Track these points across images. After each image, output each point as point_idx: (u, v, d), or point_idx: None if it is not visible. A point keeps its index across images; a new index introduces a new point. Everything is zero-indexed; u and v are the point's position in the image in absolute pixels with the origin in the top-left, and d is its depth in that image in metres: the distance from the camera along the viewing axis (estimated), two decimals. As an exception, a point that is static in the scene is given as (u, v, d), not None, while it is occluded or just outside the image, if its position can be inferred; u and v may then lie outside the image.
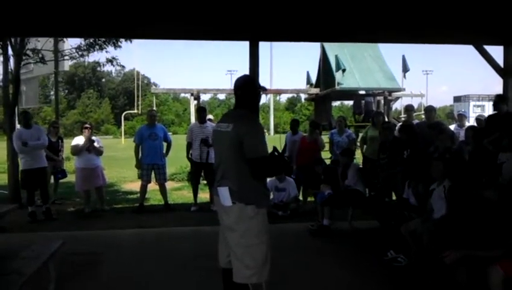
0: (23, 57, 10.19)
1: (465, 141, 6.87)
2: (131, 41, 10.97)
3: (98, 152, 8.70)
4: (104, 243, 6.31)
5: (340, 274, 5.06)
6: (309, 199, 8.83)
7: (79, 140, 8.61)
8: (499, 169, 5.44)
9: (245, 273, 3.28)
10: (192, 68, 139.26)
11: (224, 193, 3.31)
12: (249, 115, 3.43)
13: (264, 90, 3.74)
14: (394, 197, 7.32)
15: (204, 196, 9.48)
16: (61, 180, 9.94)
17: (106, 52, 11.73)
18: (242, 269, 3.29)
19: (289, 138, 9.33)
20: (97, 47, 11.50)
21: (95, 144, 8.65)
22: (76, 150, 8.57)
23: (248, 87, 3.52)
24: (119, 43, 11.31)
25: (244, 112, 3.44)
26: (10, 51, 9.97)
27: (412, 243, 5.03)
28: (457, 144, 7.03)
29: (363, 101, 19.73)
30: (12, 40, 9.80)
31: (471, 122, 12.85)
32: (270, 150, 3.48)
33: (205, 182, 9.42)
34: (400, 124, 8.72)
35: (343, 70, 19.15)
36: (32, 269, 3.85)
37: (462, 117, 9.98)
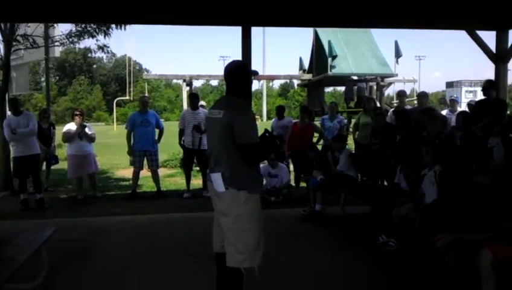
0: (13, 43, 10.08)
1: (456, 126, 6.91)
2: (124, 29, 10.85)
3: (90, 139, 8.66)
4: (96, 229, 6.32)
5: (332, 259, 5.10)
6: (301, 184, 8.87)
7: (70, 127, 8.57)
8: (490, 154, 5.49)
9: (237, 257, 3.31)
10: (184, 54, 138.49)
11: (217, 178, 3.32)
12: (240, 101, 3.41)
13: (256, 74, 3.74)
14: (386, 183, 7.37)
15: (197, 182, 9.49)
16: (53, 167, 9.90)
17: (97, 40, 11.63)
18: (234, 253, 3.31)
19: (275, 124, 9.34)
20: (87, 35, 11.38)
21: (87, 130, 8.61)
22: (68, 137, 8.52)
23: (239, 74, 3.48)
24: (110, 31, 11.20)
25: (235, 98, 3.43)
26: (0, 37, 9.87)
27: (403, 228, 5.08)
28: (449, 129, 7.07)
29: (355, 87, 19.79)
30: (2, 25, 9.69)
31: (463, 107, 12.89)
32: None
33: (198, 168, 9.41)
34: (393, 109, 8.74)
35: (335, 57, 19.15)
36: (25, 255, 3.85)
37: (454, 102, 10.02)
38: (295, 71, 27.87)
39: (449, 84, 60.26)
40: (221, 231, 3.41)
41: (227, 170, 3.30)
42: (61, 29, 13.26)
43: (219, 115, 3.33)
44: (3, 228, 6.08)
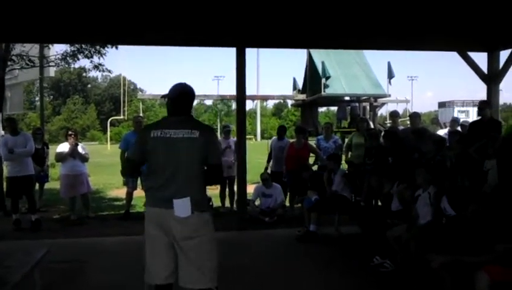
0: (8, 63, 10.10)
1: (448, 147, 6.94)
2: (117, 48, 10.93)
3: (83, 158, 8.62)
4: (89, 250, 6.27)
5: (327, 280, 5.07)
6: (296, 205, 8.85)
7: (64, 147, 8.53)
8: (484, 177, 5.50)
9: (207, 277, 3.30)
10: (179, 74, 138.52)
11: (183, 203, 3.22)
12: (204, 123, 3.52)
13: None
14: (379, 203, 7.37)
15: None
16: (45, 187, 9.85)
17: (91, 61, 11.71)
18: (202, 275, 3.28)
19: (275, 144, 9.35)
20: (81, 55, 11.46)
21: (80, 149, 8.57)
22: (61, 157, 8.48)
23: (190, 97, 3.49)
24: (105, 51, 11.28)
25: (192, 118, 3.47)
26: (-5, 56, 9.89)
27: (397, 249, 5.07)
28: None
29: (348, 107, 19.89)
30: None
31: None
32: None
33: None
34: (385, 130, 8.79)
35: (328, 77, 19.28)
36: (17, 277, 3.81)
37: (454, 123, 10.10)
38: (289, 91, 28.00)
39: (441, 104, 60.66)
40: (171, 259, 3.33)
41: (196, 193, 3.29)
42: (56, 49, 13.31)
43: (193, 135, 3.27)
44: (-5, 248, 6.02)
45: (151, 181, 3.44)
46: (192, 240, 3.26)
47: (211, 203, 9.02)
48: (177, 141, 3.28)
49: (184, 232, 3.26)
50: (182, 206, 3.22)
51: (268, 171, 9.20)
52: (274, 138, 9.79)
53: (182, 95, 3.44)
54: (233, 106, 61.43)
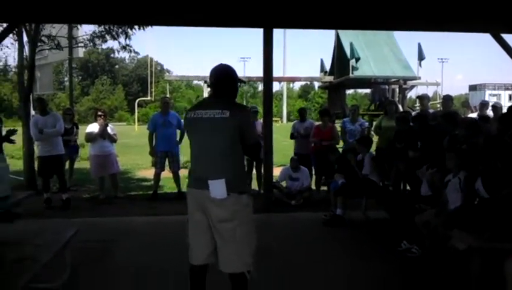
0: (38, 44, 10.23)
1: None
2: (144, 29, 10.95)
3: (112, 139, 8.73)
4: (117, 230, 6.37)
5: (354, 264, 5.04)
6: (322, 187, 8.81)
7: (93, 127, 8.64)
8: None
9: (243, 261, 3.29)
10: (204, 55, 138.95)
11: (219, 185, 3.19)
12: (238, 102, 3.47)
13: (243, 82, 3.74)
14: (408, 187, 7.28)
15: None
16: (76, 167, 10.01)
17: (119, 42, 11.77)
18: (239, 258, 3.28)
19: (298, 126, 9.30)
20: (109, 36, 11.52)
21: (109, 130, 8.68)
22: (91, 138, 8.61)
23: (229, 79, 3.44)
24: (132, 32, 11.31)
25: (230, 99, 3.42)
26: (25, 37, 10.02)
27: (426, 234, 5.00)
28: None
29: (383, 88, 19.58)
30: (27, 26, 9.84)
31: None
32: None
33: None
34: (414, 113, 8.62)
35: (357, 59, 19.01)
36: (47, 256, 3.88)
37: (483, 106, 9.84)
38: (316, 73, 27.72)
39: (472, 88, 59.48)
40: (210, 240, 3.34)
41: (231, 173, 3.25)
42: (85, 29, 13.44)
43: (223, 115, 3.23)
44: (26, 227, 6.16)
45: (191, 162, 3.49)
46: (229, 223, 3.24)
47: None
48: (208, 121, 3.27)
49: (221, 215, 3.24)
50: (217, 188, 3.19)
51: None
52: (296, 120, 9.72)
53: (218, 76, 3.43)
54: (260, 87, 61.39)
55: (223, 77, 3.42)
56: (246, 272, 3.30)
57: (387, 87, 19.38)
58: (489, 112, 9.62)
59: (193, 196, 3.39)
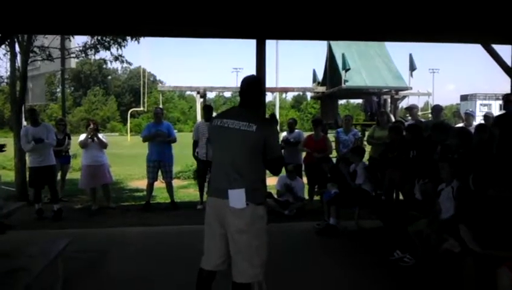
0: (30, 54, 10.21)
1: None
2: (138, 42, 10.98)
3: (102, 143, 8.69)
4: (110, 241, 6.33)
5: (347, 274, 5.04)
6: (315, 197, 8.82)
7: (85, 136, 8.63)
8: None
9: (253, 272, 3.32)
10: (197, 66, 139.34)
11: (239, 194, 3.25)
12: (263, 115, 3.53)
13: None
14: (401, 196, 7.31)
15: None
16: (68, 177, 9.97)
17: (111, 54, 11.78)
18: (249, 268, 3.31)
19: (286, 136, 9.33)
20: (102, 48, 11.53)
21: (100, 136, 8.66)
22: (83, 143, 8.58)
23: (257, 92, 3.54)
24: (125, 42, 11.33)
25: (254, 111, 3.46)
26: (17, 48, 10.01)
27: (418, 243, 5.01)
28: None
29: (375, 100, 19.65)
30: (20, 37, 9.83)
31: (478, 121, 12.75)
32: None
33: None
34: (408, 123, 8.66)
35: (347, 70, 19.10)
36: (39, 266, 3.86)
37: (469, 116, 9.90)
38: (308, 83, 27.85)
39: (463, 98, 59.91)
40: (224, 248, 3.39)
41: (250, 184, 3.28)
42: (77, 41, 13.42)
43: (249, 129, 3.28)
44: (18, 238, 6.12)
45: (212, 170, 3.57)
46: (245, 234, 3.28)
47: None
48: (234, 131, 3.33)
49: (238, 225, 3.28)
50: (237, 198, 3.24)
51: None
52: (286, 132, 9.72)
53: (245, 87, 3.50)
54: (252, 98, 61.37)
55: (253, 88, 3.51)
56: (255, 283, 3.40)
57: (375, 99, 19.41)
58: (482, 122, 9.67)
59: (212, 204, 3.44)
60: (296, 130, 9.46)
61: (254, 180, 3.32)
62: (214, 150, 3.57)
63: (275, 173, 3.46)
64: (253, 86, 3.52)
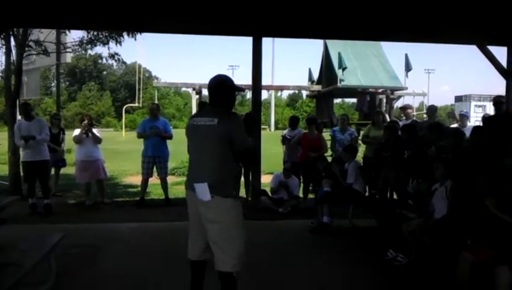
0: (26, 48, 10.16)
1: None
2: (135, 38, 10.95)
3: (97, 139, 8.65)
4: (104, 236, 6.32)
5: (340, 272, 5.06)
6: (310, 196, 8.83)
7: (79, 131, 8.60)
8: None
9: (230, 262, 3.44)
10: (193, 62, 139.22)
11: (202, 188, 3.40)
12: (227, 111, 3.56)
13: (241, 90, 3.99)
14: (395, 196, 7.33)
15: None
16: (61, 172, 9.94)
17: (108, 48, 11.74)
18: (226, 259, 3.44)
19: (287, 134, 9.34)
20: (98, 43, 11.49)
21: (95, 131, 8.63)
22: (77, 138, 8.55)
23: (222, 89, 3.61)
24: (121, 39, 11.29)
25: (221, 108, 3.54)
26: (13, 42, 9.96)
27: (412, 243, 5.03)
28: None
29: (368, 99, 19.70)
30: (15, 30, 9.78)
31: (472, 122, 12.82)
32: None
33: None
34: (403, 123, 8.69)
35: (344, 69, 19.14)
36: (32, 261, 3.85)
37: (463, 117, 9.94)
38: (304, 82, 27.88)
39: (458, 98, 60.07)
40: (203, 238, 3.55)
41: (215, 178, 3.41)
42: (73, 36, 13.39)
43: (212, 123, 3.43)
44: (11, 233, 6.10)
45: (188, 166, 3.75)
46: (215, 224, 3.44)
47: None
48: (201, 128, 3.51)
49: (207, 215, 3.46)
50: (201, 191, 3.40)
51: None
52: (287, 129, 9.74)
53: (213, 86, 3.62)
54: (248, 95, 61.50)
55: (217, 86, 3.60)
56: (233, 273, 3.45)
57: (368, 98, 19.45)
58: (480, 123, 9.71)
59: (188, 196, 3.64)
60: (298, 129, 9.46)
61: (221, 174, 3.43)
62: (187, 148, 3.71)
63: (245, 164, 3.57)
64: (220, 85, 3.61)
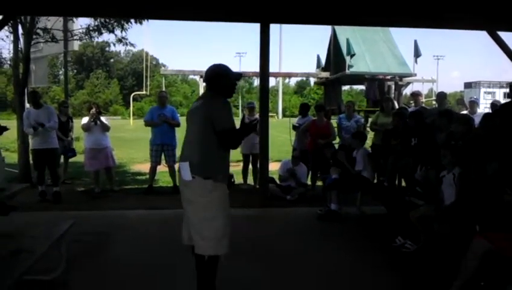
0: (33, 36, 10.17)
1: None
2: (141, 23, 10.90)
3: (105, 126, 8.71)
4: (113, 223, 6.36)
5: (348, 259, 5.06)
6: (318, 183, 8.83)
7: (87, 119, 8.64)
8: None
9: (202, 244, 3.46)
10: (200, 50, 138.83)
11: (184, 167, 3.46)
12: (215, 95, 3.59)
13: (238, 78, 3.94)
14: (404, 183, 7.31)
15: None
16: (71, 160, 9.99)
17: (115, 35, 11.72)
18: (199, 240, 3.46)
19: (299, 120, 9.33)
20: (105, 30, 11.47)
21: (102, 118, 8.67)
22: (86, 126, 8.61)
23: (216, 78, 3.64)
24: (128, 25, 11.26)
25: (212, 93, 3.63)
26: (20, 30, 9.97)
27: (420, 229, 5.02)
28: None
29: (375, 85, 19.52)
30: (22, 18, 9.78)
31: (481, 109, 12.71)
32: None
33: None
34: (411, 110, 8.64)
35: (353, 55, 18.99)
36: (43, 248, 3.88)
37: (473, 104, 9.86)
38: (312, 69, 27.77)
39: (467, 85, 59.66)
40: (189, 221, 3.56)
41: (196, 158, 3.45)
42: (80, 23, 13.35)
43: (198, 105, 3.57)
44: (21, 220, 6.15)
45: None
46: (192, 205, 3.49)
47: (232, 180, 9.07)
48: (191, 111, 3.67)
49: (186, 195, 3.54)
50: (183, 170, 3.49)
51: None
52: (299, 117, 9.72)
53: (206, 75, 3.71)
54: (255, 83, 61.30)
55: (210, 76, 3.67)
56: (206, 256, 3.47)
57: (376, 85, 19.17)
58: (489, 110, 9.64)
59: (179, 179, 3.68)
60: (309, 117, 9.46)
61: (202, 155, 3.45)
62: None
63: (226, 146, 3.52)
64: (211, 75, 3.66)
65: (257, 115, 8.47)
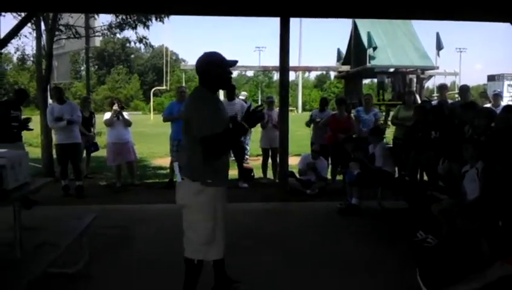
0: (56, 33, 10.29)
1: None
2: (163, 22, 10.97)
3: (127, 122, 8.80)
4: (134, 217, 6.43)
5: (368, 253, 5.03)
6: (338, 177, 8.79)
7: (110, 115, 8.73)
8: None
9: (189, 247, 3.41)
10: (219, 45, 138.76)
11: (176, 168, 3.40)
12: (201, 93, 3.34)
13: (234, 64, 3.44)
14: (426, 177, 7.23)
15: (232, 172, 9.49)
16: (93, 155, 10.12)
17: (136, 33, 11.82)
18: (187, 243, 3.42)
19: (316, 114, 9.29)
20: (127, 27, 11.57)
21: (124, 114, 8.76)
22: (108, 121, 8.71)
23: (205, 69, 3.33)
24: (150, 23, 11.34)
25: (200, 89, 3.36)
26: (43, 27, 10.10)
27: (443, 222, 4.96)
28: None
29: (387, 79, 19.36)
30: (45, 15, 9.91)
31: (505, 101, 12.47)
32: None
33: (233, 158, 9.43)
34: (434, 103, 8.52)
35: (374, 48, 18.81)
36: (66, 241, 3.94)
37: (496, 97, 9.69)
38: (332, 62, 27.61)
39: (491, 78, 58.47)
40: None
41: (183, 161, 3.37)
42: (102, 20, 13.48)
43: (185, 102, 3.51)
44: (45, 214, 6.25)
45: None
46: (183, 207, 3.41)
47: (252, 174, 9.09)
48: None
49: (177, 196, 3.44)
50: (176, 171, 3.40)
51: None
52: (315, 110, 9.68)
53: (196, 67, 3.41)
54: (275, 77, 61.12)
55: (200, 66, 3.35)
56: (194, 261, 3.40)
57: (388, 79, 18.95)
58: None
59: None
60: (327, 111, 9.41)
61: (189, 157, 3.32)
62: None
63: (207, 155, 3.17)
64: (202, 62, 3.35)
65: (276, 109, 8.45)
